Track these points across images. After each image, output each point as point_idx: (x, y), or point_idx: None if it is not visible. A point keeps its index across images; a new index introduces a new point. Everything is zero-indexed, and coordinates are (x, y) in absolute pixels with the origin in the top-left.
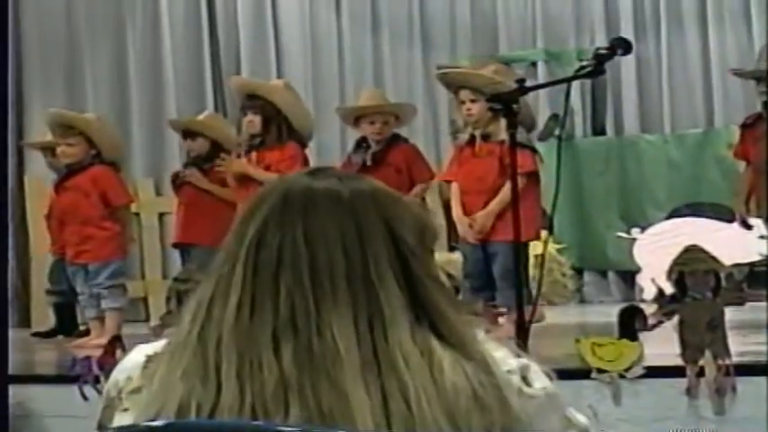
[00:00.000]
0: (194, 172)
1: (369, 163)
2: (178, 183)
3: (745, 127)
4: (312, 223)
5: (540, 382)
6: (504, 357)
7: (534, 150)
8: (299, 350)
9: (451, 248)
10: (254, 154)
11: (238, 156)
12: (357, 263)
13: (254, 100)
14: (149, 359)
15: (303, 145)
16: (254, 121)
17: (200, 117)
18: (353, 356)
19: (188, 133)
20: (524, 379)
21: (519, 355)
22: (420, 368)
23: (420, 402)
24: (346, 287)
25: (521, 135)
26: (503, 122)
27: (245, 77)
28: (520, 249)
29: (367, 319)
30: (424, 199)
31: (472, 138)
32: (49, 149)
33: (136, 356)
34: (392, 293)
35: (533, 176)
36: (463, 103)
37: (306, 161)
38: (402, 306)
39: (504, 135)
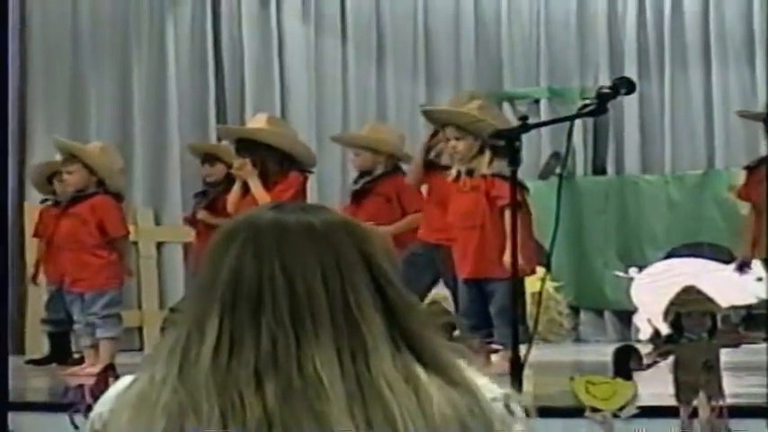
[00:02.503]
0: (206, 215)
1: (359, 190)
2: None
3: (750, 169)
4: (289, 256)
5: (520, 411)
6: (486, 385)
7: (520, 184)
8: (282, 386)
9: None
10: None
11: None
12: (337, 294)
13: (244, 143)
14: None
15: (307, 171)
16: (249, 162)
17: (221, 143)
18: (338, 389)
19: (208, 158)
20: (507, 408)
21: (498, 385)
22: (406, 397)
23: (407, 429)
24: (328, 319)
25: (507, 169)
26: (486, 157)
27: (227, 126)
28: (517, 285)
29: (349, 350)
30: (416, 230)
31: (459, 174)
32: (55, 175)
33: (120, 389)
34: (373, 323)
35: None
36: (449, 140)
37: (305, 191)
38: (383, 335)
39: (486, 169)
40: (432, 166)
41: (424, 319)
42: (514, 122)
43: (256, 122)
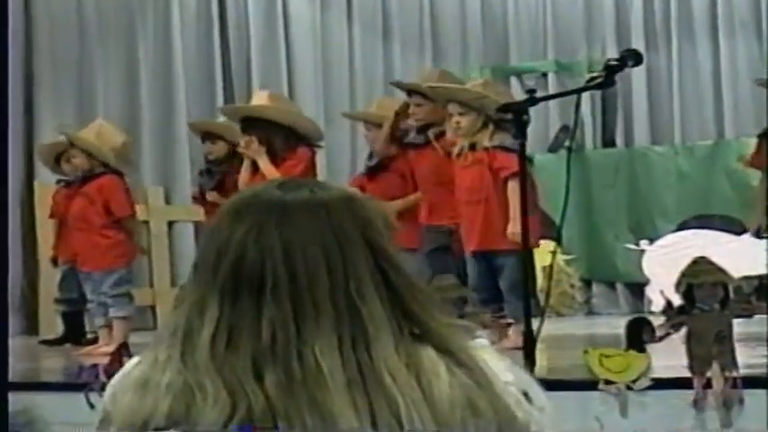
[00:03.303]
0: (216, 196)
1: (373, 167)
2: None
3: (762, 137)
4: (291, 241)
5: (540, 400)
6: (503, 369)
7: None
8: (282, 377)
9: None
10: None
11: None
12: (340, 280)
13: (250, 121)
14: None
15: (315, 146)
16: (255, 140)
17: (221, 120)
18: (339, 378)
19: (208, 136)
20: (525, 395)
21: (521, 371)
22: (408, 385)
23: (411, 418)
24: (330, 307)
25: (509, 141)
26: (488, 131)
27: (232, 105)
28: (527, 258)
29: (350, 338)
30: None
31: (461, 149)
32: (63, 155)
33: (125, 370)
34: (375, 309)
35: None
36: (452, 116)
37: (314, 166)
38: (385, 320)
39: (487, 142)
40: (410, 147)
41: (430, 299)
42: (520, 97)
43: (259, 99)
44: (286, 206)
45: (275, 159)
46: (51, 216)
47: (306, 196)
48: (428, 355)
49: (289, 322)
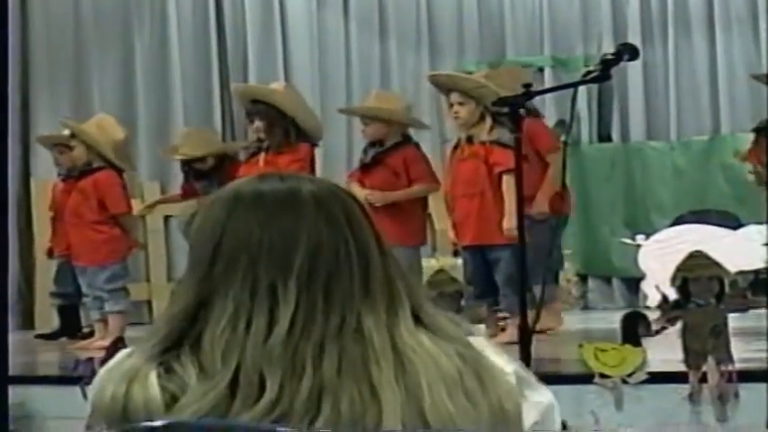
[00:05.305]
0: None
1: (368, 162)
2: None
3: (761, 131)
4: (357, 230)
5: (540, 395)
6: (505, 362)
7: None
8: (342, 357)
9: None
10: (262, 156)
11: (246, 159)
12: (383, 265)
13: (257, 105)
14: (167, 366)
15: (314, 145)
16: (259, 127)
17: (202, 145)
18: (387, 357)
19: (195, 159)
20: (520, 380)
21: (520, 365)
22: (425, 361)
23: (432, 394)
24: (381, 289)
25: (507, 137)
26: (487, 124)
27: (245, 84)
28: (522, 252)
29: (390, 317)
30: (425, 200)
31: (459, 142)
32: (58, 147)
33: (112, 363)
34: (401, 292)
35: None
36: (452, 105)
37: (313, 164)
38: (405, 302)
39: (485, 136)
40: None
41: (421, 288)
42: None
43: (274, 87)
44: (315, 197)
45: (273, 151)
46: (50, 208)
47: (315, 187)
48: (427, 338)
49: (354, 305)
